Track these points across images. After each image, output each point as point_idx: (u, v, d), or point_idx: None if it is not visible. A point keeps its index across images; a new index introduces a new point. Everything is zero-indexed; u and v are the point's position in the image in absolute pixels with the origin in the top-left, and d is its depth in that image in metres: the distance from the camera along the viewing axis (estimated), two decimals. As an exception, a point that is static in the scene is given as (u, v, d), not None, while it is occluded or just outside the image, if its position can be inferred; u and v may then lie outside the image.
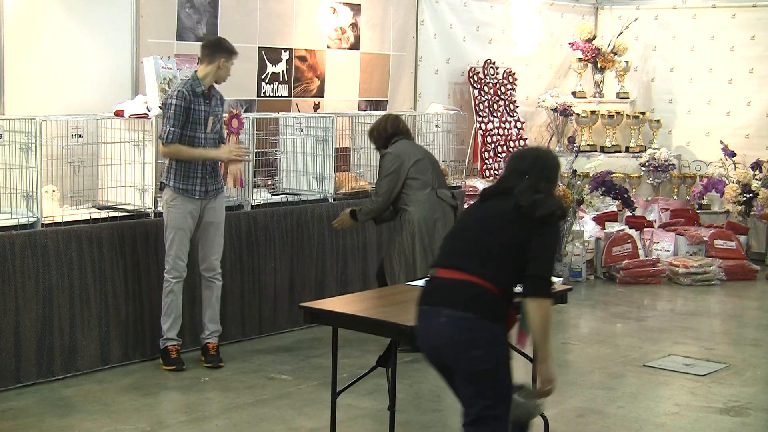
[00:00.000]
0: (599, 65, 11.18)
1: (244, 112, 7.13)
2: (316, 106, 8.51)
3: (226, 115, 6.61)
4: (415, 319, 3.98)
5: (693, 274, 9.31)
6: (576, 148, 10.63)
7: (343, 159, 7.95)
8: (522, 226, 3.81)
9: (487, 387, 3.82)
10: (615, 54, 11.17)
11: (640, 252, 9.62)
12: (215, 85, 6.29)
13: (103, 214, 6.32)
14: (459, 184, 8.68)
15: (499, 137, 10.06)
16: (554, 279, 4.54)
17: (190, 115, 6.12)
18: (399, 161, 6.75)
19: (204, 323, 6.45)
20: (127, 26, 6.99)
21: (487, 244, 3.83)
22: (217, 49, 6.25)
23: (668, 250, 9.77)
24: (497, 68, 10.13)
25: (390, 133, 6.92)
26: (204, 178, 6.25)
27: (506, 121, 10.18)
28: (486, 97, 9.97)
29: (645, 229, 9.98)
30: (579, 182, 9.20)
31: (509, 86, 10.27)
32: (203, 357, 6.44)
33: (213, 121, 6.25)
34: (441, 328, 3.81)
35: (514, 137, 10.23)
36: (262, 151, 7.32)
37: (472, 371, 3.80)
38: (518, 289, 3.90)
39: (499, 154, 10.00)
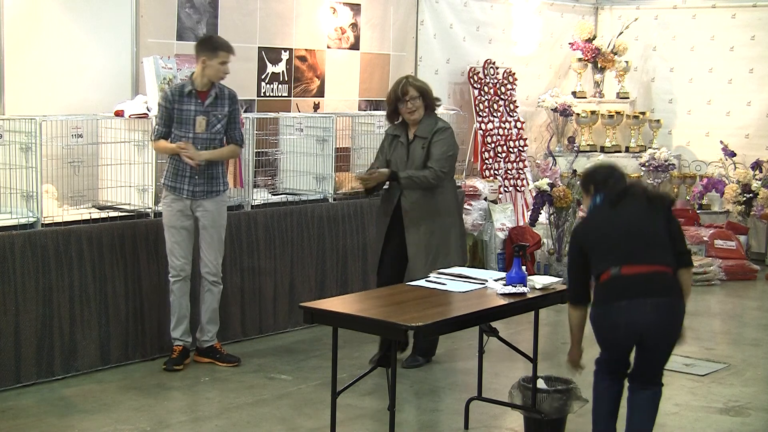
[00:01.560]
0: (599, 65, 11.17)
1: (244, 112, 7.13)
2: (316, 106, 8.50)
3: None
4: (611, 313, 4.44)
5: (693, 274, 9.27)
6: (576, 148, 10.63)
7: (343, 159, 7.93)
8: (660, 215, 4.56)
9: (671, 350, 4.57)
10: (615, 54, 11.16)
11: (640, 252, 9.60)
12: (219, 83, 6.25)
13: (103, 214, 6.32)
14: (459, 185, 8.67)
15: (499, 137, 10.05)
16: (554, 279, 5.21)
17: (173, 115, 6.14)
18: (455, 141, 6.51)
19: (203, 324, 6.44)
20: (127, 26, 6.99)
21: (652, 237, 4.51)
22: (199, 48, 6.22)
23: (668, 250, 9.75)
24: (497, 68, 10.12)
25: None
26: (192, 177, 6.20)
27: (506, 121, 10.17)
28: (486, 97, 9.96)
29: (645, 229, 9.97)
30: (579, 182, 9.19)
31: (509, 86, 10.26)
32: (214, 359, 6.42)
33: (201, 121, 6.16)
34: (648, 316, 4.39)
35: (514, 137, 10.22)
36: (262, 151, 7.32)
37: (672, 343, 4.52)
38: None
39: (499, 154, 9.99)
